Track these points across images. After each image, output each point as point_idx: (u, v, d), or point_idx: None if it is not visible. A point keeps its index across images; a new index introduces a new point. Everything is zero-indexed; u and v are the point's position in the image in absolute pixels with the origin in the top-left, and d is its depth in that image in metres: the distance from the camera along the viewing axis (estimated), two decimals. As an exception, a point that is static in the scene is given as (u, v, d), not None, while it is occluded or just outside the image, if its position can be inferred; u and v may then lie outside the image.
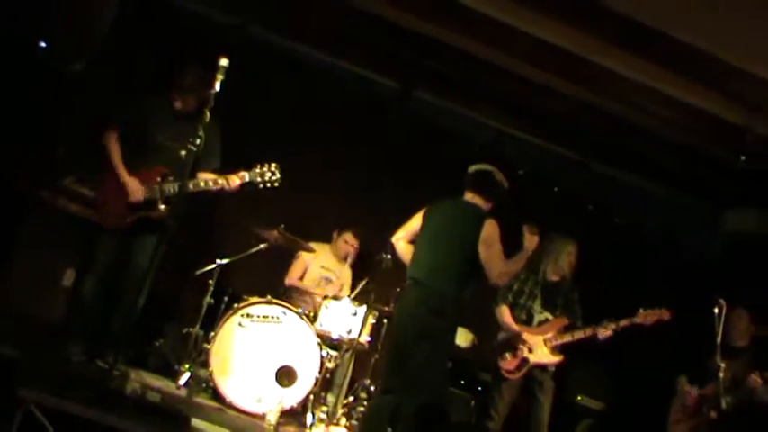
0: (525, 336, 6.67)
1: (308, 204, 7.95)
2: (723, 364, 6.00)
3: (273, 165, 6.00)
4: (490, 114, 8.17)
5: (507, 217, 5.70)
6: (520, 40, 6.41)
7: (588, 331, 6.60)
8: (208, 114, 5.00)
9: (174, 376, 6.45)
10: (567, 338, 6.66)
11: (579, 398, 7.96)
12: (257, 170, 5.98)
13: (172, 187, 5.90)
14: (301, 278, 7.74)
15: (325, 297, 6.99)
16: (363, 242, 7.81)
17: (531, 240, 5.72)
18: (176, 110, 6.07)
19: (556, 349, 6.68)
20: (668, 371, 6.80)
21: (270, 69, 7.95)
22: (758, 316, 6.58)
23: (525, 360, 6.62)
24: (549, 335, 6.69)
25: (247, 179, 5.97)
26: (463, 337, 7.46)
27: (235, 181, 5.97)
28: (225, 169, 6.09)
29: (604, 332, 6.55)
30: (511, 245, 5.68)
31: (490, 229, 5.63)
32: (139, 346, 6.67)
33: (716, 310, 5.98)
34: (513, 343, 6.69)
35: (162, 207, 5.91)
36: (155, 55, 7.30)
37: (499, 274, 5.60)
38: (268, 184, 5.99)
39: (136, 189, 5.89)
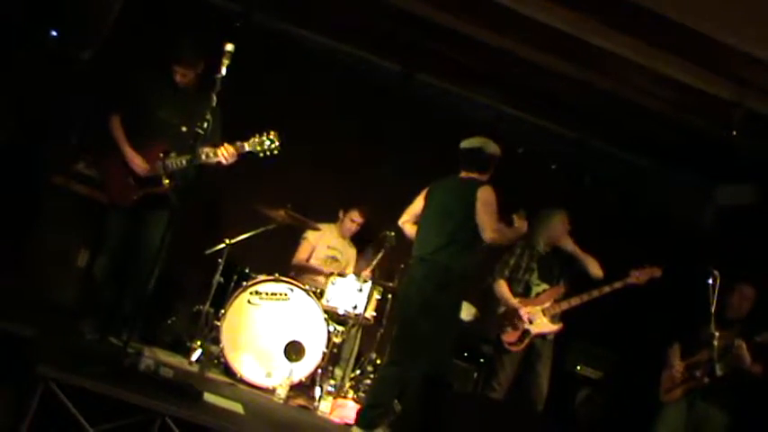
0: (524, 308, 6.65)
1: (313, 184, 7.95)
2: (717, 333, 6.00)
3: (272, 132, 5.80)
4: (490, 95, 8.16)
5: (506, 194, 5.74)
6: (519, 22, 6.38)
7: (585, 296, 6.57)
8: (215, 99, 4.95)
9: (187, 352, 6.50)
10: (565, 305, 6.62)
11: (578, 368, 7.96)
12: (256, 139, 5.80)
13: (174, 162, 5.85)
14: (308, 259, 7.75)
15: (331, 274, 7.00)
16: (368, 220, 7.84)
17: (519, 225, 5.79)
18: (176, 84, 6.02)
19: (555, 318, 6.65)
20: (664, 340, 6.79)
21: (272, 53, 7.91)
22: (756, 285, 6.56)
23: (526, 331, 6.59)
24: (547, 304, 6.65)
25: (246, 149, 5.81)
26: (466, 311, 7.44)
27: (235, 150, 5.82)
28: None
29: (599, 294, 6.51)
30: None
31: (485, 193, 5.68)
32: (152, 323, 6.69)
33: (710, 281, 5.97)
34: (513, 316, 6.66)
35: (166, 182, 5.89)
36: (161, 43, 7.25)
37: (492, 230, 5.59)
38: (268, 153, 5.80)
39: (139, 163, 5.87)
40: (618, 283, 6.52)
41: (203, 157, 5.78)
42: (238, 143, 5.82)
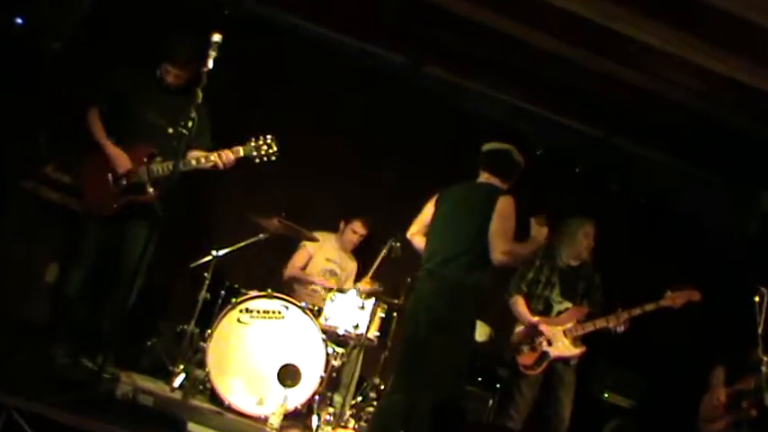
0: (543, 327, 6.63)
1: (310, 190, 7.97)
2: (766, 358, 5.92)
3: (269, 137, 5.90)
4: (505, 89, 8.15)
5: (524, 201, 5.67)
6: (534, 7, 6.37)
7: (612, 319, 6.54)
8: (200, 94, 4.94)
9: (169, 378, 6.43)
10: (590, 328, 6.60)
11: (606, 395, 7.91)
12: (252, 144, 5.89)
13: (160, 168, 5.85)
14: (304, 269, 7.73)
15: (330, 289, 6.97)
16: (372, 231, 7.84)
17: (539, 232, 5.66)
18: (164, 84, 6.03)
19: (577, 340, 6.63)
20: (703, 365, 6.73)
21: (267, 45, 7.92)
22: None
23: (545, 354, 6.58)
24: (570, 325, 6.64)
25: (242, 154, 5.88)
26: (480, 331, 7.38)
27: (229, 156, 5.87)
28: (218, 148, 6.03)
29: (627, 318, 6.49)
30: (522, 235, 5.65)
31: (506, 204, 5.59)
32: (130, 345, 6.62)
33: (756, 299, 5.90)
34: (531, 336, 6.66)
35: (151, 190, 5.87)
36: (140, 32, 7.25)
37: (503, 252, 5.49)
38: (265, 158, 5.89)
39: (123, 161, 5.85)
40: (650, 306, 6.50)
41: (194, 162, 5.80)
42: (233, 147, 5.84)
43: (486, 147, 5.95)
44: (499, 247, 5.48)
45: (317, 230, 7.47)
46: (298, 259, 7.72)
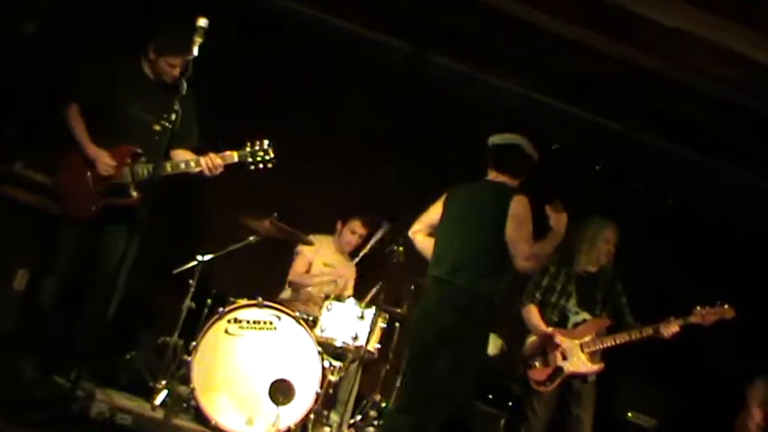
0: (558, 339, 6.60)
1: (304, 190, 7.98)
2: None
3: (266, 142, 5.88)
4: (517, 79, 8.13)
5: (538, 200, 5.66)
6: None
7: (634, 334, 6.53)
8: (185, 84, 4.91)
9: (149, 395, 6.35)
10: (609, 342, 6.58)
11: (629, 414, 7.91)
12: (247, 149, 5.86)
13: (144, 169, 5.83)
14: (308, 272, 7.78)
15: (327, 297, 6.96)
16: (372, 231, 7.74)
17: (558, 220, 5.68)
18: (152, 77, 6.02)
19: (595, 356, 6.61)
20: (738, 381, 6.70)
21: (257, 32, 7.92)
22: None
23: (558, 369, 6.57)
24: (587, 338, 6.62)
25: (236, 159, 5.87)
26: (491, 343, 7.36)
27: (221, 161, 5.86)
28: (205, 148, 6.01)
29: (653, 333, 6.48)
30: (539, 232, 5.64)
31: (519, 206, 5.59)
32: (107, 359, 6.60)
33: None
34: (544, 349, 6.65)
35: (134, 193, 5.85)
36: (122, 15, 7.22)
37: (527, 257, 5.53)
38: (260, 165, 5.87)
39: (106, 161, 5.81)
40: (677, 322, 6.48)
41: (182, 165, 5.79)
42: (226, 153, 5.84)
43: (494, 140, 5.95)
44: (522, 253, 5.51)
45: (311, 233, 7.47)
46: (299, 266, 7.76)
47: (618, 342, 6.55)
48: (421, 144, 8.25)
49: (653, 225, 8.36)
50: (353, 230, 7.81)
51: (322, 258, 7.77)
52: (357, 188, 8.19)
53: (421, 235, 6.06)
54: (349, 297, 7.00)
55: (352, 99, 8.20)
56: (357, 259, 7.42)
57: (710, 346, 7.57)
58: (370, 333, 6.62)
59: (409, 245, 6.22)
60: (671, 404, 7.98)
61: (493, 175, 5.87)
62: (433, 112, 8.29)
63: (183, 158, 5.85)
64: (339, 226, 7.89)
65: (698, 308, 6.48)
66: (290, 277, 7.70)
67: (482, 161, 5.93)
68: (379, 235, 7.09)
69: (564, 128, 8.43)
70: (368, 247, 7.25)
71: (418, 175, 7.96)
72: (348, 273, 7.93)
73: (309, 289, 7.65)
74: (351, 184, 8.18)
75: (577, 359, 6.56)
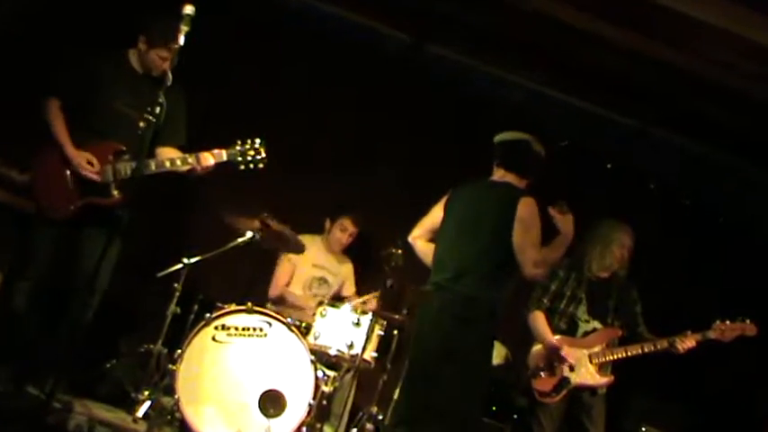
0: (566, 349, 6.58)
1: (297, 188, 7.98)
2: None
3: (257, 140, 5.90)
4: (523, 72, 8.15)
5: (543, 200, 5.64)
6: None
7: (647, 347, 6.53)
8: (170, 76, 4.85)
9: (131, 406, 6.38)
10: (620, 354, 6.58)
11: (643, 429, 7.83)
12: (237, 147, 5.89)
13: (127, 167, 5.80)
14: (288, 284, 7.75)
15: (321, 303, 6.94)
16: (365, 232, 7.89)
17: (564, 222, 5.65)
18: (140, 70, 6.01)
19: (605, 368, 6.60)
20: (760, 396, 6.68)
21: (243, 18, 7.92)
22: None
23: (565, 380, 6.56)
24: (597, 349, 6.61)
25: (225, 158, 5.88)
26: (495, 353, 7.34)
27: (208, 160, 5.86)
28: (193, 146, 6.01)
29: (668, 346, 6.47)
30: (546, 237, 5.62)
31: (527, 208, 5.56)
32: (86, 368, 6.60)
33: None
34: (551, 358, 6.63)
35: (116, 193, 5.82)
36: (106, 6, 7.24)
37: (535, 263, 5.50)
38: (251, 165, 5.90)
39: (85, 164, 5.77)
40: (694, 337, 6.48)
41: (168, 164, 5.78)
42: (216, 151, 5.84)
43: (500, 137, 5.92)
44: (530, 260, 5.48)
45: (301, 233, 7.43)
46: (281, 275, 7.77)
47: (629, 354, 6.54)
48: (420, 140, 8.26)
49: (669, 229, 8.36)
50: (344, 228, 7.81)
51: (310, 260, 7.76)
52: (351, 188, 8.17)
53: (421, 241, 6.03)
54: (348, 298, 7.05)
55: (345, 93, 8.20)
56: (359, 302, 7.33)
57: (728, 357, 7.55)
58: (366, 341, 6.59)
59: (409, 248, 6.18)
60: (686, 419, 7.97)
61: (499, 175, 5.83)
62: (432, 107, 8.31)
63: (170, 156, 5.83)
64: (328, 224, 7.89)
65: (717, 322, 6.46)
66: (272, 291, 7.69)
67: (485, 160, 5.91)
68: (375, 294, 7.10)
69: (574, 124, 8.43)
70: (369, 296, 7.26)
71: (416, 175, 7.99)
72: (343, 271, 7.94)
73: (296, 302, 7.64)
74: (345, 183, 8.16)
75: (585, 370, 6.55)
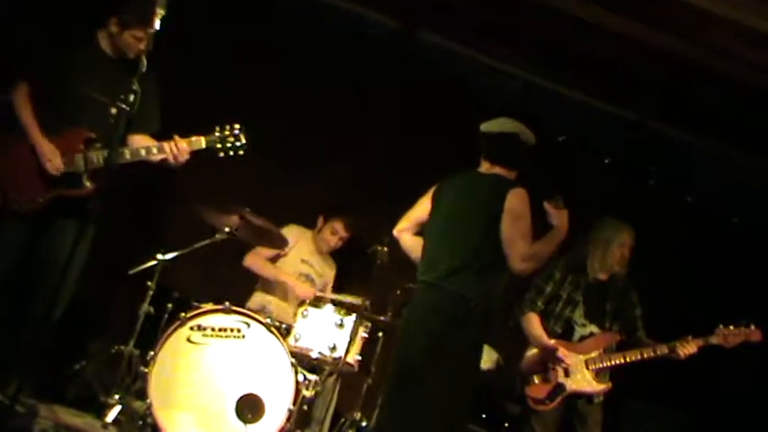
0: (561, 353, 6.58)
1: (279, 183, 7.99)
2: None
3: (237, 126, 5.89)
4: (517, 61, 8.16)
5: (538, 196, 5.62)
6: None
7: (647, 353, 6.53)
8: (145, 61, 4.81)
9: (100, 411, 6.34)
10: (618, 360, 6.58)
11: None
12: (216, 134, 5.88)
13: (99, 156, 5.75)
14: (275, 261, 7.74)
15: (302, 303, 6.94)
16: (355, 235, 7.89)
17: (559, 217, 5.61)
18: (112, 54, 5.96)
19: (602, 374, 6.60)
20: (759, 403, 6.70)
21: (231, 4, 7.92)
22: None
23: (559, 386, 6.56)
24: (594, 354, 6.62)
25: (203, 146, 5.86)
26: (486, 357, 7.37)
27: (186, 147, 5.83)
28: (168, 134, 5.95)
29: (668, 353, 6.48)
30: (541, 232, 5.60)
31: (516, 200, 5.53)
32: (53, 370, 6.56)
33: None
34: (545, 363, 6.65)
35: (87, 184, 5.77)
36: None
37: (523, 258, 5.45)
38: (231, 153, 5.89)
39: (53, 156, 5.72)
40: (696, 342, 6.48)
41: (142, 152, 5.75)
42: (193, 138, 5.81)
43: (486, 126, 5.88)
44: (518, 253, 5.43)
45: (289, 224, 7.57)
46: (265, 251, 7.66)
47: (628, 360, 6.54)
48: (409, 133, 8.25)
49: (670, 227, 8.36)
50: (335, 231, 7.81)
51: (299, 253, 7.76)
52: (338, 181, 8.16)
53: (407, 235, 5.99)
54: (327, 302, 7.00)
55: (333, 81, 8.18)
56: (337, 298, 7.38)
57: (729, 363, 7.55)
58: (349, 343, 6.61)
59: (394, 245, 6.17)
60: (689, 426, 7.95)
61: (486, 167, 5.81)
62: (423, 98, 8.27)
63: (144, 145, 5.79)
64: (320, 222, 7.88)
65: (720, 327, 6.48)
66: (249, 261, 7.59)
67: (478, 152, 5.87)
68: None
69: (571, 117, 8.44)
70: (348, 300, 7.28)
71: (404, 168, 7.96)
72: (327, 274, 7.94)
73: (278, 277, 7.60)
74: (331, 176, 8.15)
75: (581, 377, 6.55)
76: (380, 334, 7.16)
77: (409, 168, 7.78)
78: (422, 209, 5.93)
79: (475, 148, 5.89)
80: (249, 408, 6.32)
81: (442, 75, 8.36)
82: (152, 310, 6.66)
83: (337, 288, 7.91)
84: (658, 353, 6.47)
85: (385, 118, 8.26)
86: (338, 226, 7.79)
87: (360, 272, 7.39)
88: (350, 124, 8.22)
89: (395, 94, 8.23)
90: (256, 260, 7.59)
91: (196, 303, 6.63)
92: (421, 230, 5.92)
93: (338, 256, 8.01)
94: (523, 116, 6.02)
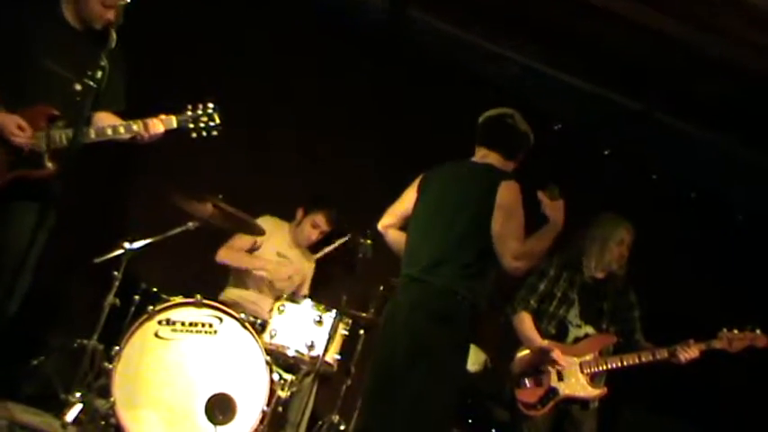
0: (554, 355, 6.54)
1: (257, 169, 7.99)
2: None
3: (211, 105, 5.84)
4: (513, 44, 8.14)
5: (532, 189, 5.56)
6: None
7: (645, 357, 6.52)
8: (114, 36, 4.76)
9: (60, 409, 6.25)
10: (615, 364, 6.58)
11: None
12: (189, 113, 5.82)
13: (63, 135, 5.66)
14: (251, 252, 7.74)
15: (278, 298, 6.93)
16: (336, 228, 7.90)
17: (554, 209, 5.54)
18: (77, 25, 5.86)
19: (597, 379, 6.59)
20: (758, 410, 6.70)
21: None
22: None
23: (552, 390, 6.55)
24: (589, 357, 6.61)
25: (174, 125, 5.80)
26: (473, 358, 7.37)
27: (157, 127, 5.76)
28: (136, 112, 5.87)
29: (668, 356, 6.47)
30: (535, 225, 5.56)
31: (508, 193, 5.49)
32: (9, 364, 6.52)
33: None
34: (537, 366, 6.64)
35: (49, 164, 5.68)
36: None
37: (515, 256, 5.41)
38: (204, 133, 5.82)
39: (15, 130, 5.60)
40: (698, 346, 6.47)
41: (109, 131, 5.66)
42: (163, 117, 5.76)
43: (487, 114, 5.86)
44: (511, 251, 5.39)
45: (264, 215, 7.56)
46: (238, 241, 7.64)
47: (625, 364, 6.53)
48: (397, 117, 8.26)
49: (671, 223, 8.37)
50: (315, 224, 7.80)
51: (275, 245, 7.74)
52: (320, 170, 8.18)
53: (393, 230, 5.96)
54: (305, 298, 7.01)
55: (317, 64, 8.19)
56: (320, 254, 7.40)
57: (728, 368, 7.56)
58: (328, 341, 6.60)
59: (379, 238, 6.13)
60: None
61: (481, 154, 5.77)
62: (413, 82, 8.29)
63: (110, 123, 5.70)
64: (300, 215, 7.85)
65: (724, 330, 6.47)
66: (222, 256, 7.56)
67: (471, 140, 5.86)
68: (338, 244, 7.09)
69: (568, 104, 8.47)
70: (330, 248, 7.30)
71: (393, 158, 7.96)
72: (306, 270, 7.92)
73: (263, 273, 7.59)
74: (312, 164, 8.17)
75: (575, 381, 6.53)
76: (362, 332, 7.18)
77: (397, 157, 7.78)
78: (407, 201, 5.90)
79: (467, 137, 5.86)
80: (220, 408, 6.32)
81: (433, 58, 8.36)
82: (118, 302, 6.58)
83: (315, 283, 7.91)
84: (658, 357, 6.45)
85: (373, 106, 8.26)
86: (319, 219, 7.77)
87: (340, 266, 7.35)
88: (334, 113, 8.22)
89: (383, 79, 8.24)
90: (230, 253, 7.55)
91: (165, 296, 6.63)
92: (406, 224, 5.88)
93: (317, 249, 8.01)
94: (520, 103, 6.01)
